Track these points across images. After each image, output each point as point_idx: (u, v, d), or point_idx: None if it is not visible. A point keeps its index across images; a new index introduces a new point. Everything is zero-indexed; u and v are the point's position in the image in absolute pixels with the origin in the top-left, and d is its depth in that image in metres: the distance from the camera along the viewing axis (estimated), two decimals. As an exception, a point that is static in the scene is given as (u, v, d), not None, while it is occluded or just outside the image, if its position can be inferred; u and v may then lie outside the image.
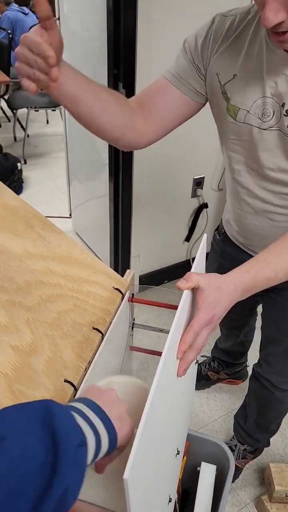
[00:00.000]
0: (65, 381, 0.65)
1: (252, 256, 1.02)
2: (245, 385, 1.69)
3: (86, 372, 0.69)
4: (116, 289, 0.84)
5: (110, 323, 0.79)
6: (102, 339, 0.75)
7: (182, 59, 0.88)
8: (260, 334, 1.26)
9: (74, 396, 0.65)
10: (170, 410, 0.65)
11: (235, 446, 1.45)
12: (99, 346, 0.74)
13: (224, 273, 1.15)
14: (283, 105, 0.78)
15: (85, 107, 0.80)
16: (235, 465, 1.42)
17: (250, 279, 0.73)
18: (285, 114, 0.79)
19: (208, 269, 1.30)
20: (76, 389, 0.65)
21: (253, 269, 0.74)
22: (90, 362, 0.71)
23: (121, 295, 0.84)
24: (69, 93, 0.77)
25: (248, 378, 1.48)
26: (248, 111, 0.82)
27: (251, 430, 1.41)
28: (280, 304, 1.13)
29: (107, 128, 0.85)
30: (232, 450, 1.44)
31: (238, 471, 1.46)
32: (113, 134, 0.88)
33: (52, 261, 0.79)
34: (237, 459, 1.43)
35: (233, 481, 1.46)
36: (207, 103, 0.93)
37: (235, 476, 1.46)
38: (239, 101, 0.83)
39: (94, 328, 0.75)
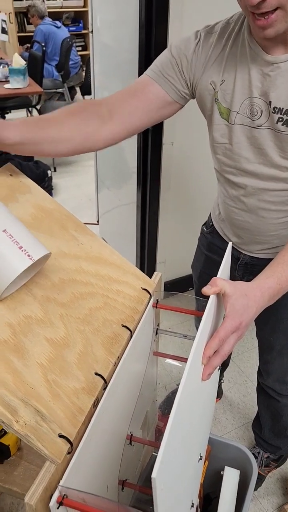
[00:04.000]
0: (96, 374, 0.68)
1: (240, 252, 1.05)
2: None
3: (115, 367, 0.72)
4: (144, 289, 0.87)
5: (139, 321, 0.82)
6: (131, 336, 0.78)
7: (167, 61, 0.91)
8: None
9: (104, 389, 0.68)
10: (194, 413, 0.67)
11: (258, 453, 1.44)
12: (127, 342, 0.77)
13: (211, 265, 1.18)
14: (269, 103, 0.83)
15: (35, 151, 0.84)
16: (258, 472, 1.42)
17: (276, 283, 0.75)
18: (273, 111, 0.83)
19: (195, 264, 1.32)
20: (106, 382, 0.69)
21: (276, 273, 0.76)
22: (119, 358, 0.74)
23: (149, 295, 0.87)
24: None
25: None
26: (237, 112, 0.87)
27: (269, 438, 1.41)
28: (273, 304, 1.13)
29: (64, 150, 0.88)
30: (255, 458, 1.44)
31: (261, 479, 1.45)
32: (69, 150, 0.89)
33: (84, 261, 0.83)
34: (260, 467, 1.43)
35: (255, 489, 1.45)
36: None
37: (258, 484, 1.46)
38: (229, 103, 0.88)
39: (123, 326, 0.78)
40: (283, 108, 0.82)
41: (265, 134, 0.86)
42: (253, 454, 1.45)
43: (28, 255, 0.64)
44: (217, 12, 1.61)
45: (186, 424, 0.59)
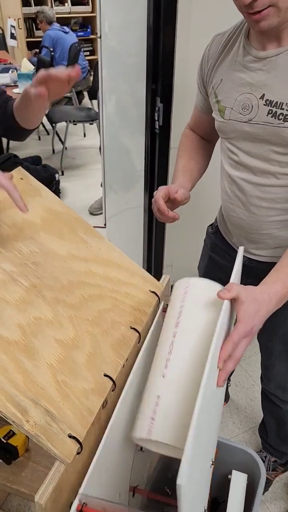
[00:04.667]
0: (105, 375, 0.69)
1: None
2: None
3: (124, 368, 0.73)
4: (152, 292, 0.88)
5: (147, 323, 0.82)
6: (139, 338, 0.79)
7: (199, 93, 1.07)
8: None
9: (113, 390, 0.69)
10: (209, 419, 0.67)
11: (265, 457, 1.44)
12: (136, 344, 0.77)
13: (214, 266, 1.22)
14: (262, 97, 0.87)
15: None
16: (268, 479, 1.41)
17: (282, 287, 0.76)
18: (265, 103, 0.86)
19: (200, 264, 1.34)
20: (114, 383, 0.69)
21: (280, 277, 0.77)
22: (127, 359, 0.75)
23: (157, 298, 0.88)
24: None
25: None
26: (231, 108, 0.92)
27: (275, 444, 1.40)
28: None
29: None
30: (262, 461, 1.43)
31: (268, 483, 1.44)
32: None
33: (93, 263, 0.84)
34: (267, 471, 1.42)
35: (262, 493, 1.44)
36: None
37: (265, 489, 1.45)
38: (225, 101, 0.94)
39: (131, 328, 0.79)
40: (273, 101, 0.85)
41: (255, 128, 0.89)
42: (260, 458, 1.44)
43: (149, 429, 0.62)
44: (224, 16, 1.62)
45: (203, 428, 0.59)
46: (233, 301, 0.72)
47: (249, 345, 0.71)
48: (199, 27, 1.60)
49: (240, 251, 0.82)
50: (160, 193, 0.98)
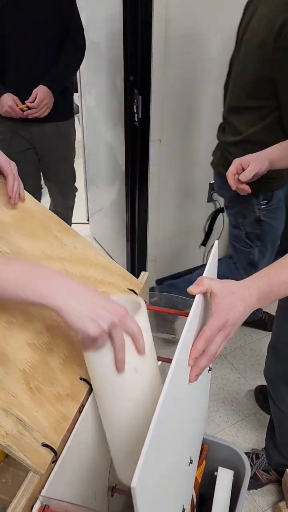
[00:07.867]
0: (81, 379, 0.67)
1: None
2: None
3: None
4: (131, 290, 0.86)
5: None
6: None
7: None
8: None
9: (90, 394, 0.66)
10: (182, 417, 0.65)
11: (261, 455, 1.42)
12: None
13: None
14: None
15: None
16: (255, 474, 1.40)
17: (266, 284, 0.72)
18: None
19: None
20: (91, 387, 0.67)
21: (268, 274, 0.73)
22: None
23: (136, 296, 0.85)
24: None
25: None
26: None
27: (268, 446, 1.40)
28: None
29: None
30: (258, 458, 1.43)
31: (257, 481, 1.43)
32: None
33: (68, 262, 0.81)
34: (258, 469, 1.41)
35: (249, 489, 1.43)
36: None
37: (253, 487, 1.43)
38: None
39: (109, 328, 0.76)
40: None
41: None
42: (256, 454, 1.43)
43: None
44: (202, 9, 1.60)
45: (172, 429, 0.57)
46: (209, 296, 0.70)
47: (228, 339, 0.68)
48: (176, 18, 1.57)
49: (215, 245, 0.79)
50: (231, 168, 1.06)
